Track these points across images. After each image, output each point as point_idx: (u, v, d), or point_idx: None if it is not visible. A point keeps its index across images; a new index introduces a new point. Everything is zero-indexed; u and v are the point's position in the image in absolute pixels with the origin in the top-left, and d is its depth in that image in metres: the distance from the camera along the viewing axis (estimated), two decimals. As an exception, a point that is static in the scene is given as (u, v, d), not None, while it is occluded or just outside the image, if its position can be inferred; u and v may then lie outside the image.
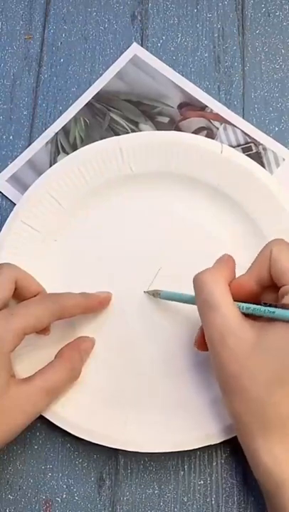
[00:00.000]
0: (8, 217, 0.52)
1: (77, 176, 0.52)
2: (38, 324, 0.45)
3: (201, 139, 0.52)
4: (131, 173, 0.52)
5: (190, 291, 0.51)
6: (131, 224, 0.52)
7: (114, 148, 0.52)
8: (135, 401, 0.48)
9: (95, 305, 0.50)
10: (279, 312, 0.40)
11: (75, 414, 0.48)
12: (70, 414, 0.48)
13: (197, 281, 0.43)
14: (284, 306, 0.41)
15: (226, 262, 0.45)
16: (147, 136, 0.53)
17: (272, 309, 0.41)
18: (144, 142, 0.52)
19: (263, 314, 0.41)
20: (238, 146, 0.55)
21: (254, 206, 0.51)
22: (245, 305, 0.42)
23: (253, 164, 0.52)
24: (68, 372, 0.47)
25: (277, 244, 0.43)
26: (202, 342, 0.45)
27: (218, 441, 0.46)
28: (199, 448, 0.47)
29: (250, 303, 0.43)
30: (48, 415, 0.48)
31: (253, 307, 0.42)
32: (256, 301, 0.43)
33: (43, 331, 0.49)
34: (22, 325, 0.44)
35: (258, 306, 0.42)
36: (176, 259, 0.51)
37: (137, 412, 0.48)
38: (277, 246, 0.43)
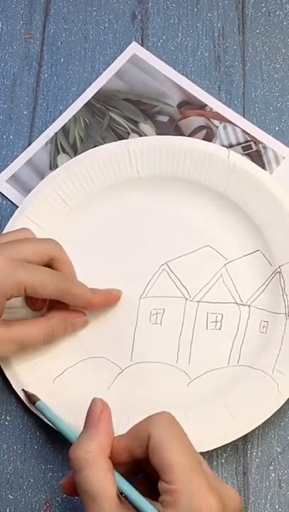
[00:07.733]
0: (8, 216, 0.52)
1: (84, 177, 0.52)
2: (39, 289, 0.45)
3: (208, 145, 0.53)
4: (138, 176, 0.53)
5: (193, 292, 0.51)
6: (135, 226, 0.53)
7: (122, 151, 0.52)
8: (132, 403, 0.48)
9: (99, 304, 0.49)
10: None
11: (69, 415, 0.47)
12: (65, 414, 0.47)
13: (73, 460, 0.38)
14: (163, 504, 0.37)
15: (101, 422, 0.40)
16: (155, 140, 0.53)
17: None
18: (152, 146, 0.52)
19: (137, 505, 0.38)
20: (238, 144, 0.55)
21: (259, 212, 0.51)
22: (123, 488, 0.38)
23: (260, 171, 0.52)
24: (47, 336, 0.47)
25: (156, 426, 0.38)
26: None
27: (210, 449, 0.46)
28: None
29: (130, 482, 0.39)
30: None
31: (129, 494, 0.38)
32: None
33: (36, 305, 0.49)
34: (26, 279, 0.44)
35: (134, 496, 0.38)
36: (179, 261, 0.51)
37: (134, 415, 0.48)
38: (157, 429, 0.38)
